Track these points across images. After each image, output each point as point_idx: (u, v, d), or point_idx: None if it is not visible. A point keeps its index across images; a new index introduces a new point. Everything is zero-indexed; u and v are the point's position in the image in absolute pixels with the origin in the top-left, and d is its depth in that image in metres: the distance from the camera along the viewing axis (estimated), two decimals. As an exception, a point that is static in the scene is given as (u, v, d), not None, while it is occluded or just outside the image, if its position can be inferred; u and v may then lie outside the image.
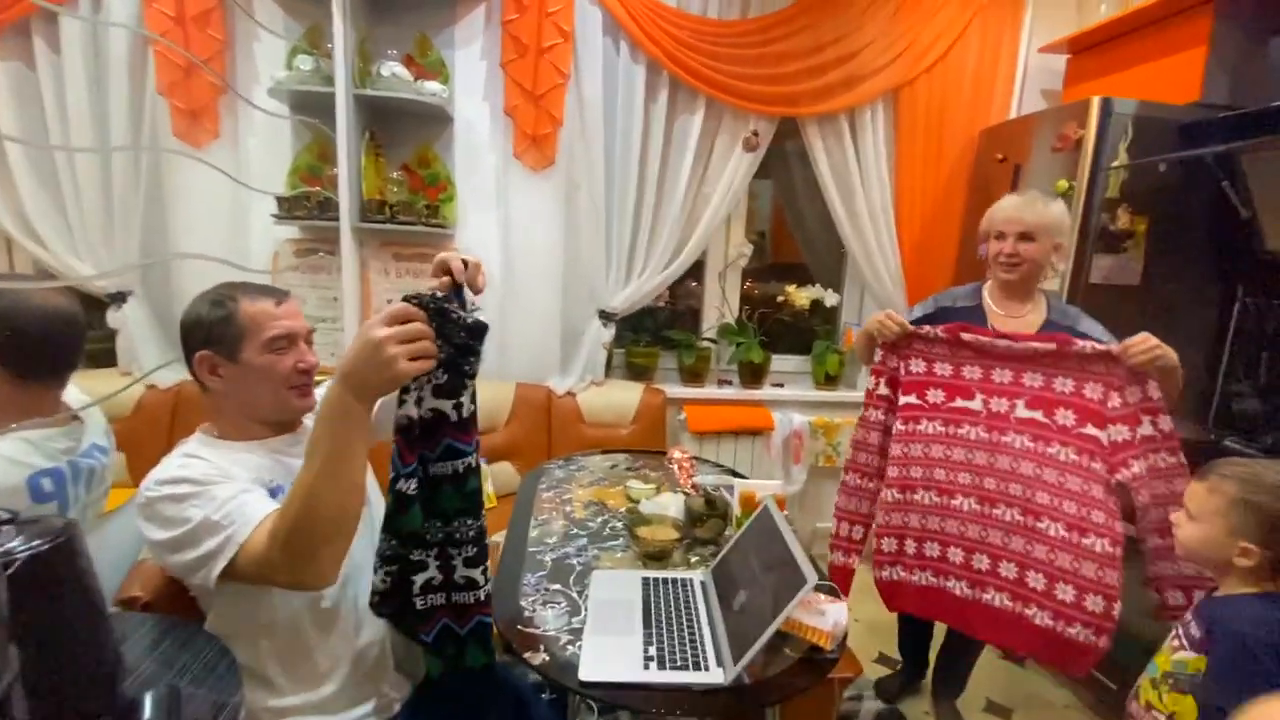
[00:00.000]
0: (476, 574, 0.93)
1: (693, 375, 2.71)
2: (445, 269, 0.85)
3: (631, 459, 1.99)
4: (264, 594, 0.91)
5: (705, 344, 2.77)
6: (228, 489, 0.86)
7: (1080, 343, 1.32)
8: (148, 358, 2.29)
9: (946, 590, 1.44)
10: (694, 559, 1.34)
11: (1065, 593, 1.30)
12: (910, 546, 1.47)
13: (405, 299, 0.78)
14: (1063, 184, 2.07)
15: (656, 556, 1.30)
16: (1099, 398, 1.30)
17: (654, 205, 2.46)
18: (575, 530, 1.44)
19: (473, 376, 0.89)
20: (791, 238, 3.00)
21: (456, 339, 0.82)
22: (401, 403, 0.84)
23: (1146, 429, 1.29)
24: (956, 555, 1.42)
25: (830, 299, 2.74)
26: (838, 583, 1.59)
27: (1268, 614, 0.94)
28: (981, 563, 1.39)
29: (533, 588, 1.19)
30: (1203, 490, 1.05)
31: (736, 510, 1.40)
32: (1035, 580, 1.34)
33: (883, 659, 2.23)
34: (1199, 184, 2.00)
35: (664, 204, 2.49)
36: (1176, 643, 1.06)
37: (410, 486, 0.85)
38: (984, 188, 2.45)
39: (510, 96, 2.31)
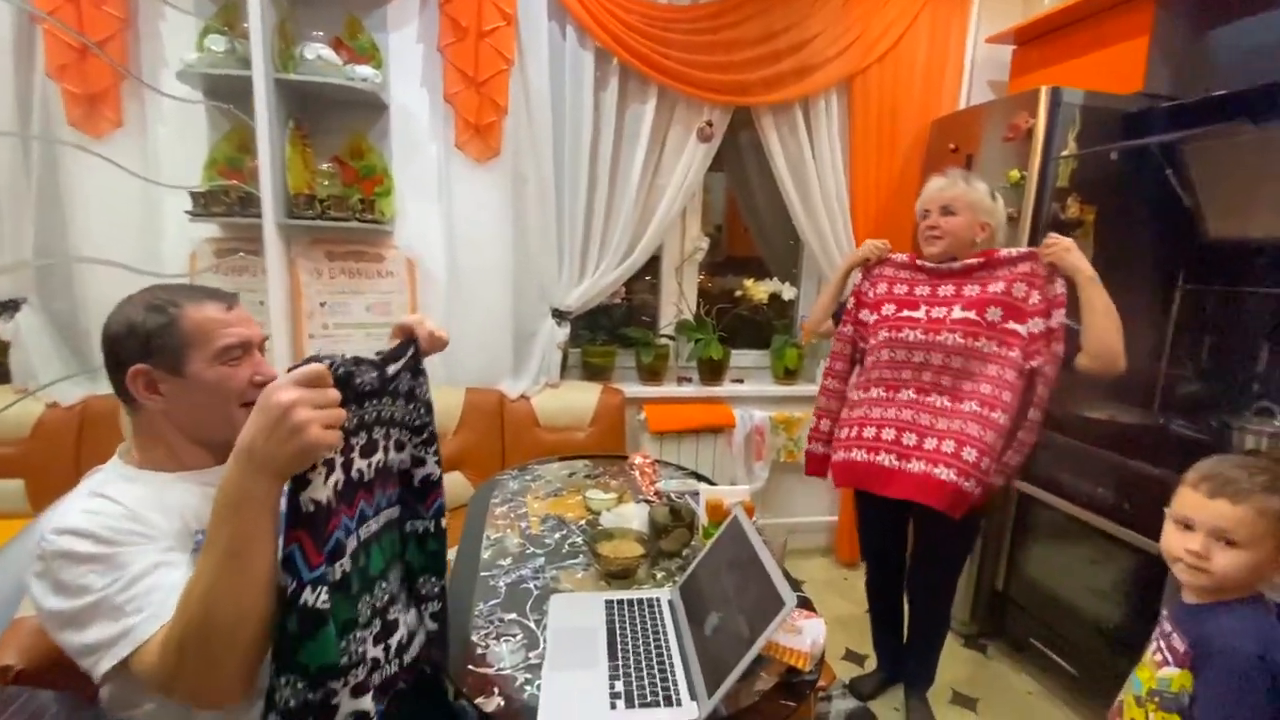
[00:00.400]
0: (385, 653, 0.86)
1: (651, 374, 2.63)
2: (408, 332, 0.87)
3: (591, 465, 1.89)
4: None
5: (663, 341, 2.69)
6: (142, 558, 0.70)
7: (1007, 250, 1.55)
8: (46, 373, 2.05)
9: (877, 463, 1.62)
10: (660, 574, 1.26)
11: (969, 455, 1.50)
12: (856, 431, 1.67)
13: (314, 359, 0.67)
14: (1015, 174, 2.07)
15: (620, 575, 1.21)
16: (1022, 295, 1.50)
17: (607, 198, 2.36)
18: (531, 549, 1.34)
19: (420, 431, 0.88)
20: (747, 231, 2.94)
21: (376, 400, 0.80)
22: (304, 484, 0.67)
23: (1054, 320, 1.48)
24: (889, 434, 1.62)
25: (788, 292, 2.70)
26: (813, 469, 1.85)
27: (1267, 630, 0.88)
28: (909, 439, 1.59)
29: (485, 618, 1.09)
30: (1249, 514, 0.90)
31: (703, 519, 1.33)
32: (947, 445, 1.53)
33: (850, 655, 2.21)
34: (1144, 173, 2.03)
35: (617, 197, 2.39)
36: (1159, 657, 1.00)
37: (319, 598, 0.66)
38: (937, 178, 2.45)
39: (450, 82, 2.17)
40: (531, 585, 1.19)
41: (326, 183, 2.12)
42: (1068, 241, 1.47)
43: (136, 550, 0.71)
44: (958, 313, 1.54)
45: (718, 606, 1.01)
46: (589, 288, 2.41)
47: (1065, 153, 2.01)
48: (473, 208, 2.29)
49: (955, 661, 2.17)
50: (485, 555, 1.30)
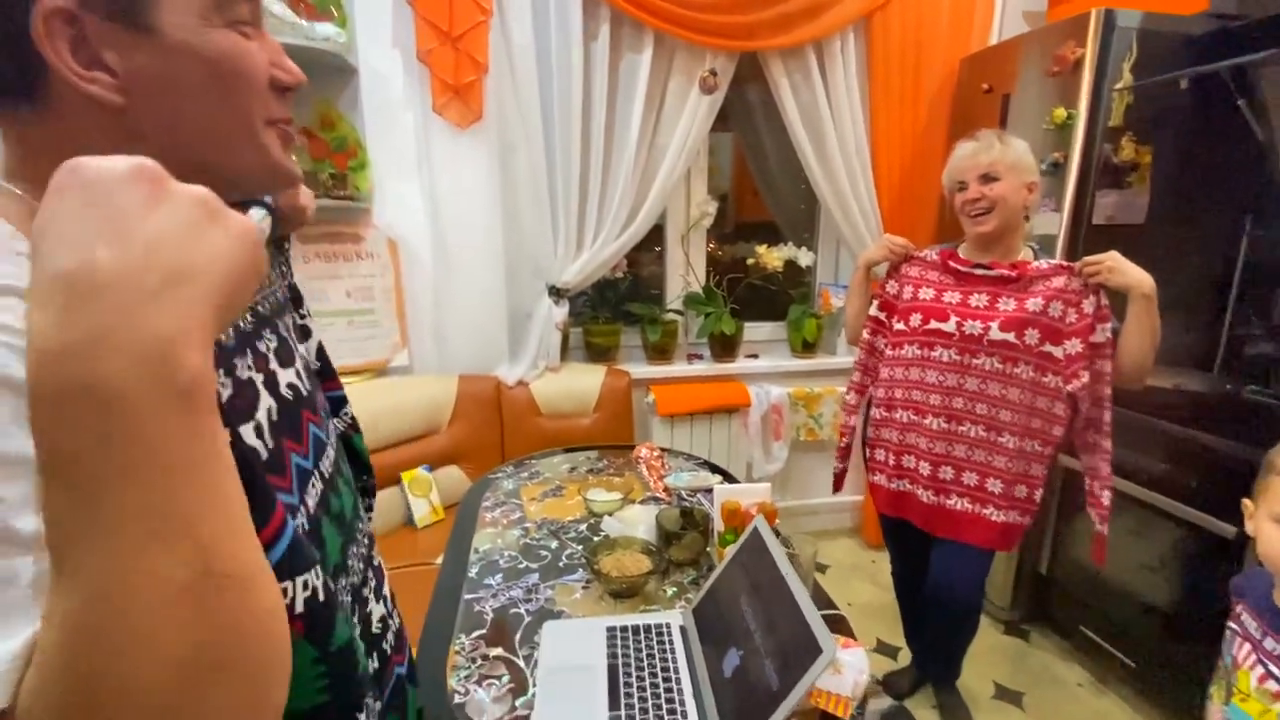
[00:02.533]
0: (386, 606, 0.62)
1: (659, 352, 2.45)
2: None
3: (595, 458, 1.73)
4: None
5: (671, 317, 2.50)
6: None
7: (1039, 263, 1.38)
8: None
9: (915, 496, 1.53)
10: (670, 590, 1.10)
11: (1020, 491, 1.43)
12: (890, 458, 1.56)
13: None
14: (1060, 112, 1.84)
15: (625, 594, 1.05)
16: (1059, 315, 1.35)
17: (602, 162, 2.15)
18: (524, 562, 1.18)
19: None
20: (757, 195, 2.72)
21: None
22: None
23: (1098, 336, 1.33)
24: (925, 468, 1.50)
25: (804, 258, 2.49)
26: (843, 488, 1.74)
27: None
28: (946, 474, 1.48)
29: (467, 656, 0.93)
30: None
31: (719, 524, 1.16)
32: (993, 485, 1.43)
33: (882, 647, 2.06)
34: (1211, 105, 1.78)
35: (614, 160, 2.18)
36: (1260, 670, 0.84)
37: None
38: (968, 123, 2.19)
39: (423, 39, 1.95)
40: (523, 609, 1.04)
41: (294, 157, 1.93)
42: (1111, 260, 1.28)
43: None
44: (995, 333, 1.37)
45: (738, 641, 0.85)
46: (587, 261, 2.21)
47: (1120, 85, 1.76)
48: (457, 179, 2.09)
49: (995, 652, 2.01)
50: (472, 573, 1.15)
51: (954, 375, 1.44)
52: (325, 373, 0.70)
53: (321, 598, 0.43)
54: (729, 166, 2.78)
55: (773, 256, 2.44)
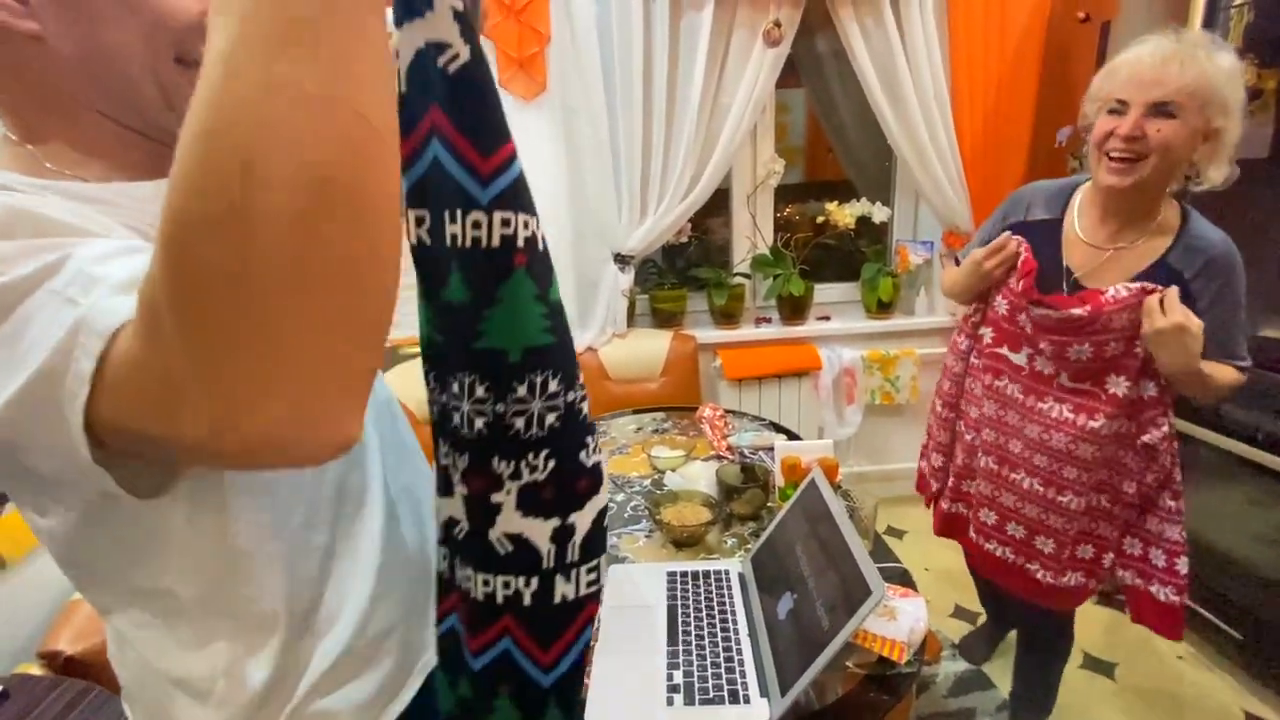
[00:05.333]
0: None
1: (726, 316, 2.44)
2: None
3: (660, 419, 1.77)
4: (207, 520, 0.46)
5: (738, 280, 2.48)
6: (87, 246, 0.37)
7: (1113, 292, 1.03)
8: None
9: (999, 557, 1.28)
10: (730, 541, 1.13)
11: (1085, 552, 1.20)
12: (974, 512, 1.32)
13: None
14: (1169, 37, 1.65)
15: (686, 543, 1.09)
16: (1143, 351, 1.05)
17: (665, 125, 2.14)
18: (591, 514, 1.24)
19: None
20: (830, 153, 2.62)
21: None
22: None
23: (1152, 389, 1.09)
24: (1014, 529, 1.24)
25: (879, 214, 2.39)
26: (943, 529, 1.44)
27: None
28: (1018, 531, 1.23)
29: (537, 594, 1.00)
30: None
31: (779, 479, 1.17)
32: (1084, 551, 1.19)
33: (960, 612, 2.01)
34: (1356, 15, 1.55)
35: (676, 122, 2.16)
36: None
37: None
38: (1061, 59, 2.03)
39: (487, 14, 2.00)
40: (588, 556, 1.10)
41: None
42: (1172, 320, 0.96)
43: (79, 242, 0.37)
44: (1066, 380, 1.12)
45: (793, 586, 0.87)
46: (651, 227, 2.23)
47: (1239, 1, 1.57)
48: (523, 152, 2.08)
49: (1087, 620, 1.91)
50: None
51: (1015, 414, 1.20)
52: None
53: (540, 247, 0.42)
54: (802, 124, 2.70)
55: (844, 214, 2.36)
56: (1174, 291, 0.98)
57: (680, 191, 2.21)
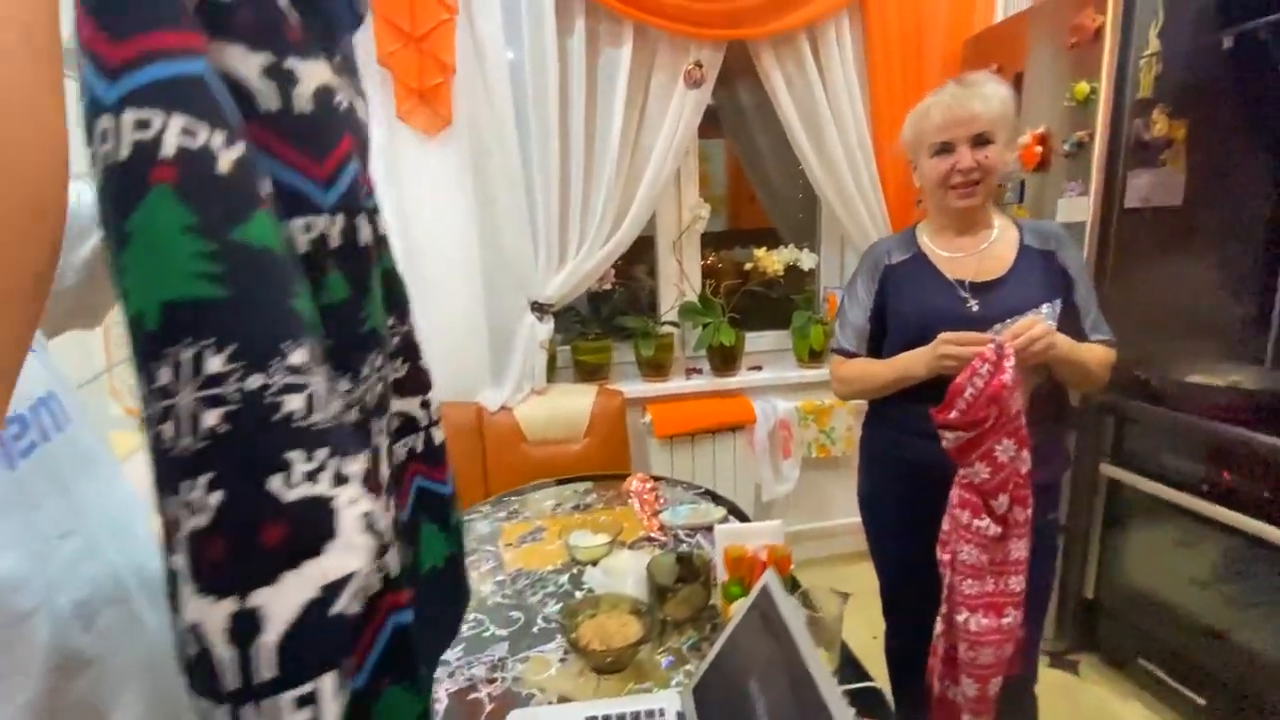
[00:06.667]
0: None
1: (654, 368, 2.27)
2: None
3: (583, 491, 1.54)
4: None
5: (666, 329, 2.32)
6: None
7: (970, 389, 0.98)
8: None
9: None
10: (665, 660, 0.91)
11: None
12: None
13: None
14: (1082, 87, 1.67)
15: (610, 669, 0.86)
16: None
17: (583, 166, 1.99)
18: (490, 628, 0.99)
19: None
20: (754, 201, 2.56)
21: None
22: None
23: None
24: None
25: (807, 260, 2.31)
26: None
27: None
28: None
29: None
30: None
31: (721, 573, 0.97)
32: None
33: (914, 687, 1.84)
34: (1249, 70, 1.61)
35: (595, 163, 2.02)
36: None
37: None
38: (977, 108, 2.04)
39: (383, 41, 1.81)
40: (484, 694, 0.85)
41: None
42: (1038, 334, 1.00)
43: None
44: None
45: (749, 739, 0.66)
46: (572, 273, 2.05)
47: (1147, 53, 1.59)
48: (427, 190, 1.93)
49: (1042, 687, 1.80)
50: (429, 643, 0.96)
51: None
52: None
53: (227, 169, 0.27)
54: (723, 172, 2.63)
55: (772, 260, 2.26)
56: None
57: (601, 236, 2.05)
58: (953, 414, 0.98)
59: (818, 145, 2.12)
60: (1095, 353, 1.13)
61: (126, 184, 0.25)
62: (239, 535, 0.26)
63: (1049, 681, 1.83)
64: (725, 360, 2.30)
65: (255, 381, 0.26)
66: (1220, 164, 1.69)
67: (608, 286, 2.30)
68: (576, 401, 2.06)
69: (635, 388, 2.22)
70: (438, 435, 0.50)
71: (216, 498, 0.26)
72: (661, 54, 1.99)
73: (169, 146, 0.25)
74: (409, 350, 0.47)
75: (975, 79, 1.13)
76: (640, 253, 2.37)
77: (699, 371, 2.35)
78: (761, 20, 1.97)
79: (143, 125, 0.25)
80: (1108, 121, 1.64)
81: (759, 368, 2.38)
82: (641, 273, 2.51)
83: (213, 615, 0.26)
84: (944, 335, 1.05)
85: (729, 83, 2.30)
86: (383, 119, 1.88)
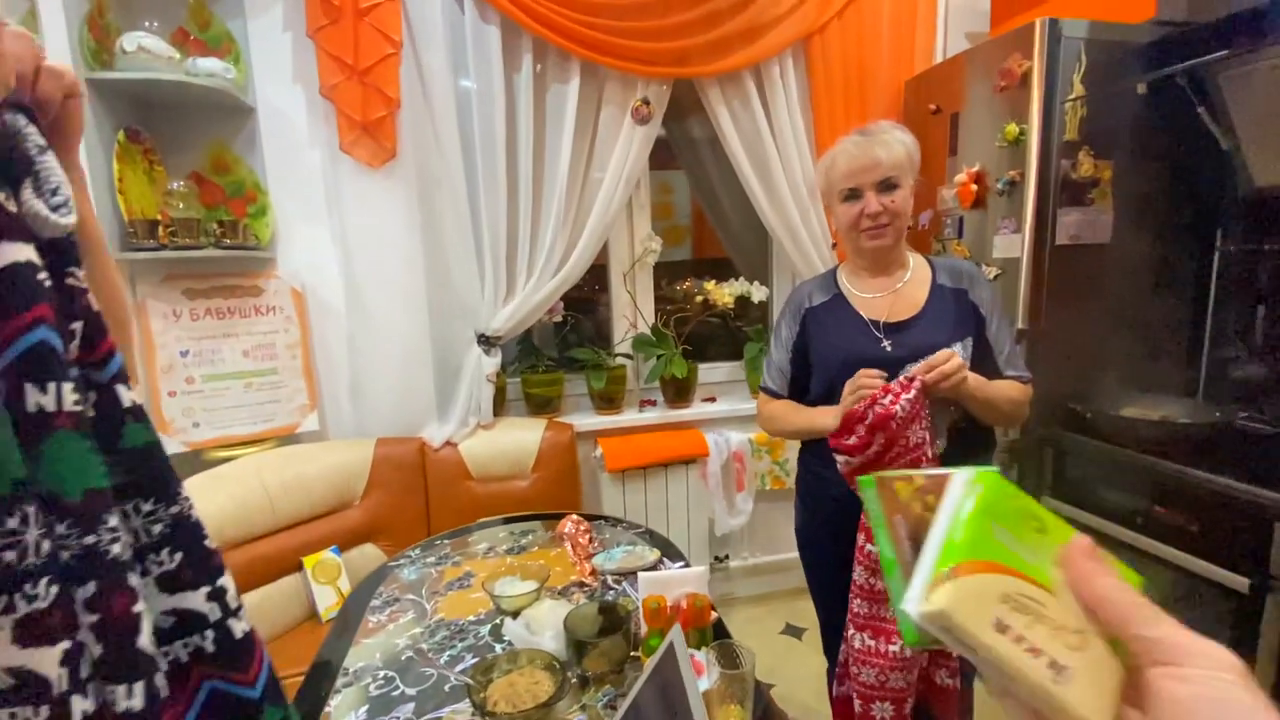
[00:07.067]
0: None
1: (606, 401, 2.25)
2: None
3: (518, 534, 1.50)
4: None
5: (619, 361, 2.31)
6: None
7: (881, 405, 0.99)
8: None
9: None
10: (575, 716, 0.87)
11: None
12: None
13: None
14: (1012, 128, 1.72)
15: (516, 732, 0.82)
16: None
17: (531, 198, 1.98)
18: (399, 687, 0.94)
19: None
20: (714, 233, 2.58)
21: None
22: None
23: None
24: None
25: (758, 293, 2.33)
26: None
27: None
28: None
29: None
30: None
31: (644, 627, 0.94)
32: None
33: None
34: (1169, 114, 1.68)
35: (544, 196, 2.01)
36: None
37: None
38: (919, 144, 2.09)
39: (327, 74, 1.79)
40: (382, 764, 0.79)
41: (181, 205, 1.73)
42: (950, 370, 1.01)
43: None
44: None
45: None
46: (520, 304, 2.02)
47: (1071, 97, 1.65)
48: (371, 222, 1.90)
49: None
50: (331, 704, 0.90)
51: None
52: None
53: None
54: (687, 203, 2.66)
55: (723, 293, 2.27)
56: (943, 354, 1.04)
57: (551, 268, 2.03)
58: (849, 439, 0.99)
59: (765, 182, 2.15)
60: (1006, 390, 1.14)
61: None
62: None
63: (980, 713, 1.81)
64: (679, 392, 2.29)
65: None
66: (1144, 203, 1.74)
67: (558, 319, 2.28)
68: (524, 436, 2.02)
69: (587, 420, 2.19)
70: (238, 628, 0.44)
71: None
72: (610, 90, 2.01)
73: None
74: (179, 536, 0.43)
75: (877, 128, 1.17)
76: (593, 284, 2.36)
77: (652, 403, 2.33)
78: (707, 60, 2.00)
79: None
80: (1037, 162, 1.69)
81: (713, 399, 2.38)
82: (595, 304, 2.50)
83: None
84: (852, 378, 1.07)
85: (681, 116, 2.34)
86: (326, 150, 1.86)
